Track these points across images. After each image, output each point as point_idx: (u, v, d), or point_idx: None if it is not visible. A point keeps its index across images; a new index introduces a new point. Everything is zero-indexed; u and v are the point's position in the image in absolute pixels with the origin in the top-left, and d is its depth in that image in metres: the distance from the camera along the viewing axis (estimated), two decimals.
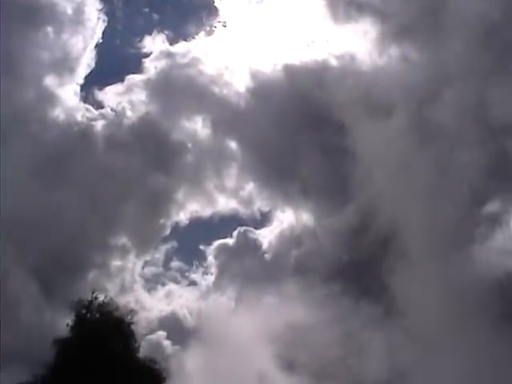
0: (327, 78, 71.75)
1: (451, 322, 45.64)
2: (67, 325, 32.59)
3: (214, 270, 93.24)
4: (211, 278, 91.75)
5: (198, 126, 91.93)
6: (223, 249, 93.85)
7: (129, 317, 33.34)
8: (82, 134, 78.96)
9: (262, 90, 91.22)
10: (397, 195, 53.64)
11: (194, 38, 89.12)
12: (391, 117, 55.40)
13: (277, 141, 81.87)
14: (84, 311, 33.18)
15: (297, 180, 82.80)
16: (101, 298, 33.67)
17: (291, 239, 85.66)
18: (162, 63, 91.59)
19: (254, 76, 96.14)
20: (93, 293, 33.84)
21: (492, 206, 60.57)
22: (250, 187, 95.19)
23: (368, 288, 52.83)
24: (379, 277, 50.50)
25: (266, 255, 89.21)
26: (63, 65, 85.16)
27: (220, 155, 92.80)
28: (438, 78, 61.97)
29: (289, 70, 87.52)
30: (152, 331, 62.36)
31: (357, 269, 58.80)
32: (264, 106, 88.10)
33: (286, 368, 50.20)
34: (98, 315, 33.30)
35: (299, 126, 78.08)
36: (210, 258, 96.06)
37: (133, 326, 33.36)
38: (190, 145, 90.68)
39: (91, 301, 33.55)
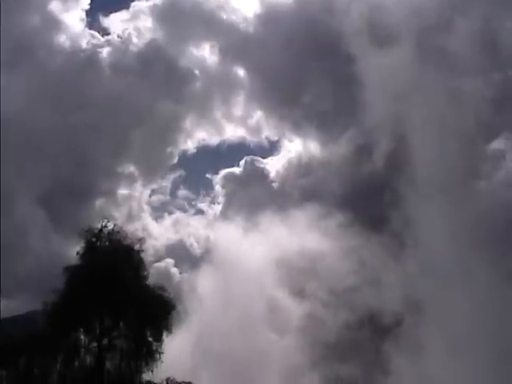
0: (336, 4, 69.80)
1: (463, 253, 45.59)
2: (77, 253, 32.48)
3: (221, 199, 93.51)
4: (218, 207, 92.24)
5: (206, 53, 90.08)
6: (230, 178, 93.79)
7: (138, 245, 33.19)
8: (87, 61, 77.31)
9: (271, 16, 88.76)
10: (403, 124, 52.74)
11: None
12: (399, 44, 53.83)
13: (285, 68, 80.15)
14: (94, 239, 32.98)
15: (305, 108, 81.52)
16: (110, 226, 33.43)
17: (299, 168, 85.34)
18: None
19: (263, 2, 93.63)
20: (102, 221, 33.60)
21: (498, 143, 60.18)
22: (257, 115, 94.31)
23: (376, 218, 52.68)
24: (386, 208, 50.28)
25: (274, 184, 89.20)
26: None
27: (228, 82, 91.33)
28: (449, 6, 59.95)
29: None
30: (159, 259, 62.64)
31: (364, 199, 58.50)
32: (272, 32, 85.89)
33: (296, 295, 50.58)
34: (107, 243, 33.14)
35: (308, 53, 76.20)
36: (217, 187, 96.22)
37: (142, 254, 33.22)
38: (197, 72, 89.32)
39: (101, 229, 33.32)
